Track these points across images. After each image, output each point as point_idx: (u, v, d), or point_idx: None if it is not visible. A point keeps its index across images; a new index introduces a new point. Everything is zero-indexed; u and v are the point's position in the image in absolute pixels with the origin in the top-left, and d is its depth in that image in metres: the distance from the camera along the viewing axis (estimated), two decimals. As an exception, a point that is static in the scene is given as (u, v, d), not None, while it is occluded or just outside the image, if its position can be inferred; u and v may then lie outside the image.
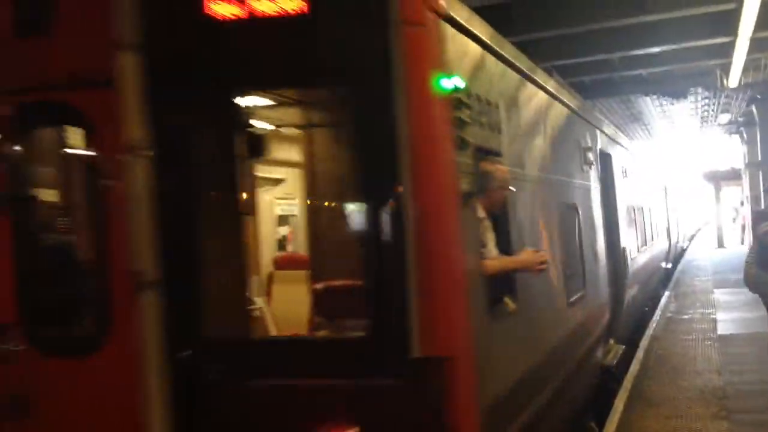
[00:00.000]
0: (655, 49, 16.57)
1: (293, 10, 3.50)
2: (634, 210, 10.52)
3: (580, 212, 6.90)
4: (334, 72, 3.62)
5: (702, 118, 30.88)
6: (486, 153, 4.21)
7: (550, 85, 6.31)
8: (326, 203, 5.29)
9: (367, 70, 3.49)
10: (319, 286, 5.29)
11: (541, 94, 5.97)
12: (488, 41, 4.44)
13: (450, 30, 3.77)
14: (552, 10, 13.78)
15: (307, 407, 3.63)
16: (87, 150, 4.14)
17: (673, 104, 25.95)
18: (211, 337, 3.99)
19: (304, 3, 3.49)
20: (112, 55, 3.73)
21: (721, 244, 35.31)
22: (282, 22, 3.54)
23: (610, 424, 7.99)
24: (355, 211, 3.83)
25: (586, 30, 15.06)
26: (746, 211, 33.28)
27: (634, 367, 10.68)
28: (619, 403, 8.74)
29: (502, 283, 4.34)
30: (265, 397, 3.71)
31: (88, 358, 4.07)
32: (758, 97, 23.05)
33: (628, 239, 9.55)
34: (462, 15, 4.00)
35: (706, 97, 25.50)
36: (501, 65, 4.74)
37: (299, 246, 7.12)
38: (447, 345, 3.44)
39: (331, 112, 4.72)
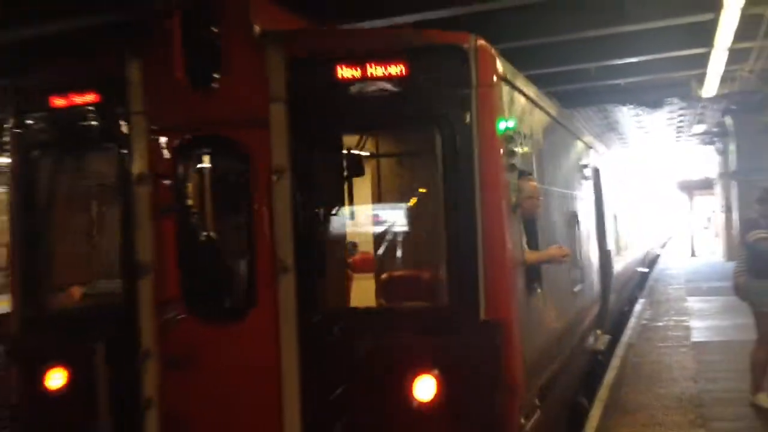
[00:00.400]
0: (633, 59, 16.68)
1: (397, 73, 4.94)
2: (617, 218, 12.23)
3: (579, 219, 8.43)
4: (426, 118, 5.03)
5: (677, 128, 31.25)
6: (523, 173, 5.59)
7: (562, 117, 8.13)
8: (410, 212, 6.83)
9: (451, 117, 4.93)
10: (385, 276, 6.71)
11: (556, 123, 7.58)
12: (523, 88, 5.91)
13: (505, 86, 5.24)
14: (533, 19, 13.82)
15: (400, 357, 4.97)
16: (242, 171, 5.49)
17: (649, 114, 26.19)
18: (329, 308, 5.40)
19: (405, 68, 4.94)
20: (265, 104, 5.29)
21: (693, 254, 35.62)
22: (388, 81, 4.98)
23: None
24: (438, 216, 5.15)
25: (564, 39, 15.12)
26: (720, 221, 33.68)
27: (610, 374, 10.71)
28: (596, 411, 8.74)
29: (535, 270, 5.77)
30: (370, 350, 5.07)
31: (236, 324, 5.43)
32: (733, 107, 23.32)
33: (613, 244, 11.36)
34: (510, 73, 5.46)
35: (681, 108, 25.78)
36: (530, 104, 6.22)
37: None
38: (503, 311, 4.85)
39: (422, 145, 6.01)
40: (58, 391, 5.47)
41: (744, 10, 11.75)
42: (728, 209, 28.62)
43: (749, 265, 8.76)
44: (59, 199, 5.94)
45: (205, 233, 5.68)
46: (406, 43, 5.06)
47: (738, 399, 9.38)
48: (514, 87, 5.55)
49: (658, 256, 31.92)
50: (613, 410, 9.00)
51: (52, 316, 5.77)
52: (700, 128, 29.34)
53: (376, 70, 4.97)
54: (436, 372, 4.80)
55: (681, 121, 29.63)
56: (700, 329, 14.75)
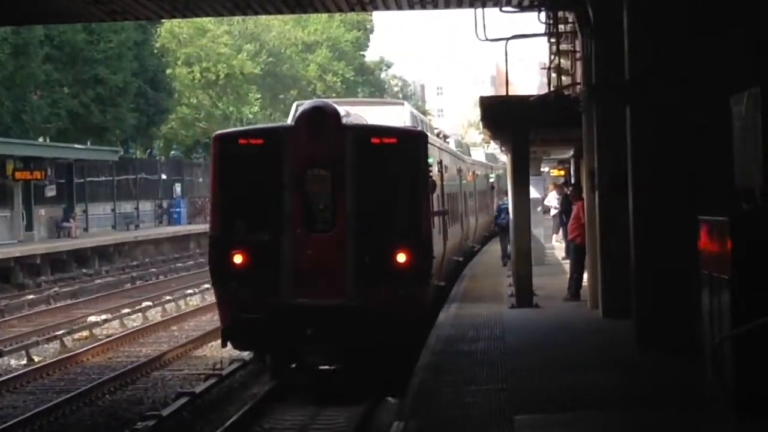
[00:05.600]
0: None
1: (392, 140, 31.44)
2: (447, 193, 41.24)
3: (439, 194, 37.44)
4: (403, 161, 31.62)
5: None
6: (431, 175, 33.87)
7: (443, 148, 44.52)
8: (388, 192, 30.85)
9: (413, 160, 31.74)
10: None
11: (445, 154, 43.64)
12: (431, 143, 36.58)
13: (428, 144, 33.94)
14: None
15: (394, 242, 30.28)
16: (332, 177, 30.68)
17: None
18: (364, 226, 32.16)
19: (396, 139, 31.19)
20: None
21: (531, 300, 32.82)
22: (389, 144, 31.61)
23: None
24: (408, 193, 30.79)
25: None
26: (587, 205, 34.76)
27: None
28: None
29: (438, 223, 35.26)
30: (385, 239, 31.33)
31: (327, 233, 30.65)
32: None
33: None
34: (429, 141, 35.10)
35: None
36: (436, 149, 38.45)
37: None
38: (426, 229, 31.61)
39: (400, 171, 30.93)
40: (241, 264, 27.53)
41: None
42: (616, 178, 25.09)
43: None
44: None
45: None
46: (401, 131, 32.49)
47: None
48: (432, 144, 34.84)
49: (476, 249, 59.62)
50: None
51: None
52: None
53: (384, 139, 30.32)
54: (406, 249, 28.12)
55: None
56: None
